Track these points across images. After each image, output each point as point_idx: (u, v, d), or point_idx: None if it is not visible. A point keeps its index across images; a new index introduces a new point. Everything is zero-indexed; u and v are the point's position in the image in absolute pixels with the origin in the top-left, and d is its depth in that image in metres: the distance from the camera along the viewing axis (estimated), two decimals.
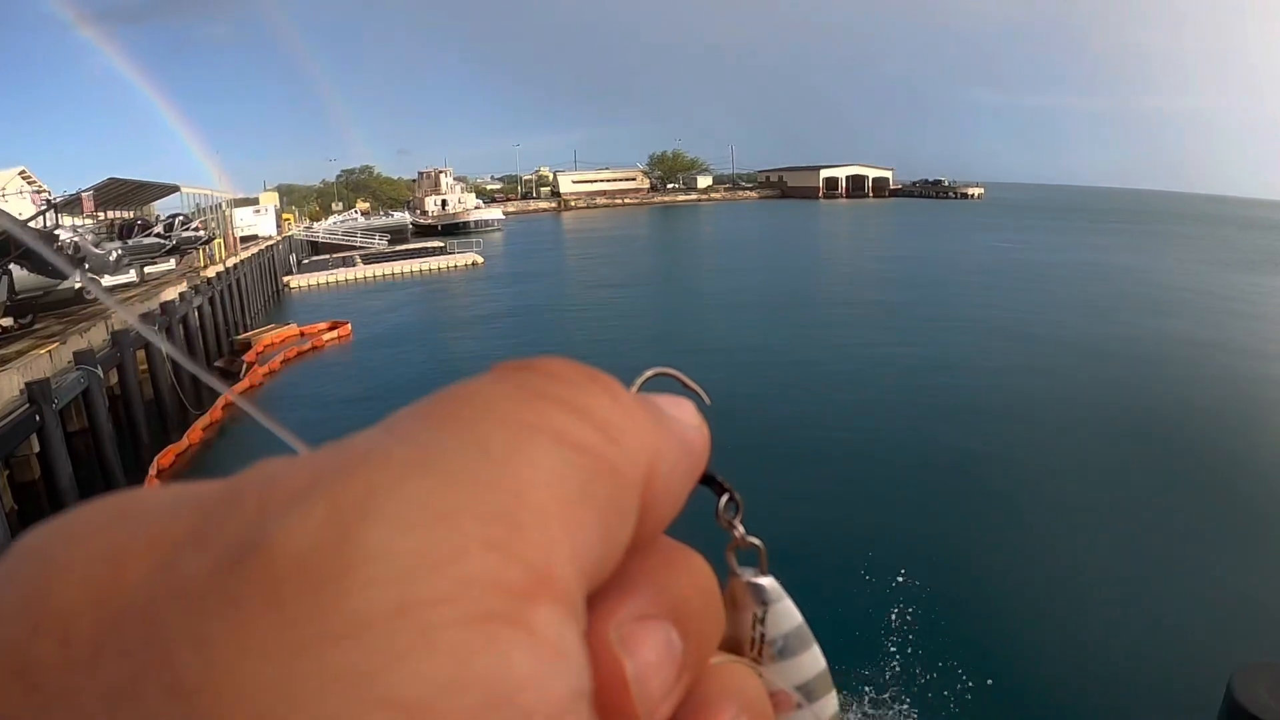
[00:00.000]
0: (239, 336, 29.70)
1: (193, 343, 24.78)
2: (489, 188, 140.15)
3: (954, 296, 34.16)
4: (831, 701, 0.33)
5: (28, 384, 13.59)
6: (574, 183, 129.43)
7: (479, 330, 31.89)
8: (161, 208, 49.38)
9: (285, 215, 70.04)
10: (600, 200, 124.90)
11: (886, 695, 8.96)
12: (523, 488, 0.21)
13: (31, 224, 21.78)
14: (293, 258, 55.21)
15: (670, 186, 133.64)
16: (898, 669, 9.32)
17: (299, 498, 0.19)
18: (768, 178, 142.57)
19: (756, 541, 0.32)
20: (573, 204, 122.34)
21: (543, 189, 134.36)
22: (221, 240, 36.08)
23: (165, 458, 16.76)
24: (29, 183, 46.79)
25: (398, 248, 62.59)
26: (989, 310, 30.52)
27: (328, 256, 59.38)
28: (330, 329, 30.09)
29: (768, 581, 0.32)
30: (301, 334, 29.63)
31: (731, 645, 0.31)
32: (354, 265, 51.97)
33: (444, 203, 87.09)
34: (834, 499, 13.97)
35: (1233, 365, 22.45)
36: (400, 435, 0.22)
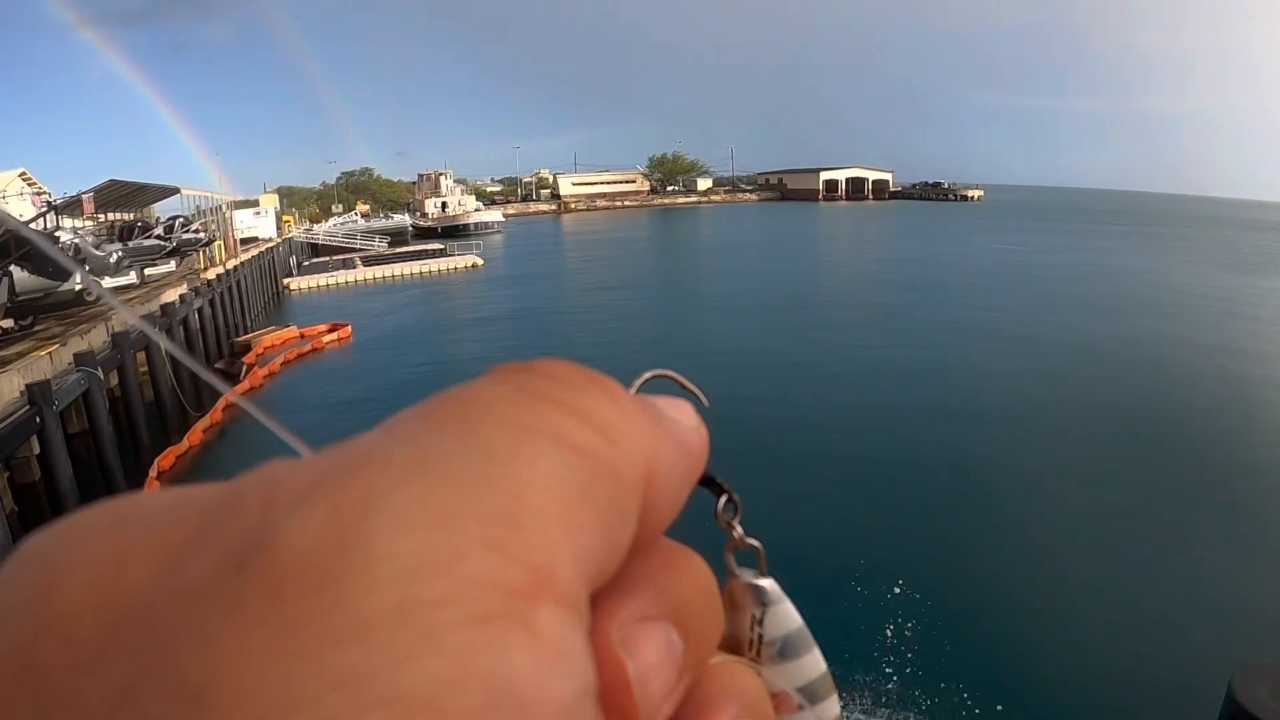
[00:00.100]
0: (239, 338, 29.67)
1: (193, 345, 24.78)
2: (489, 190, 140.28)
3: (953, 299, 34.17)
4: (833, 705, 0.33)
5: (28, 385, 13.59)
6: (574, 185, 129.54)
7: (479, 332, 31.90)
8: (161, 210, 49.43)
9: (285, 217, 70.05)
10: (600, 203, 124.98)
11: (886, 696, 8.96)
12: (523, 489, 0.21)
13: (32, 226, 21.80)
14: (293, 260, 55.20)
15: (670, 189, 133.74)
16: (898, 671, 9.32)
17: (301, 500, 0.19)
18: (767, 180, 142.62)
19: (755, 543, 0.32)
20: (573, 206, 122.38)
21: (543, 191, 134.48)
22: (221, 242, 36.07)
23: (166, 459, 16.76)
24: (29, 184, 46.82)
25: (398, 250, 62.66)
26: (989, 313, 30.53)
27: (328, 259, 59.32)
28: (330, 331, 30.09)
29: (767, 583, 0.32)
30: (301, 336, 29.61)
31: (731, 646, 0.31)
32: (354, 267, 51.98)
33: (444, 205, 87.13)
34: (834, 501, 13.97)
35: (1232, 367, 22.46)
36: (401, 437, 0.22)
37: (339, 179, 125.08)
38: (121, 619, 0.18)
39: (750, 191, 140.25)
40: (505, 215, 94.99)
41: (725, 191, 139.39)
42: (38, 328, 18.05)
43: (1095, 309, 31.13)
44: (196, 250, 32.61)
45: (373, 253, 61.90)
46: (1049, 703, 8.79)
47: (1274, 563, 11.72)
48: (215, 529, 0.20)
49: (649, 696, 0.23)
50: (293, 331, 30.08)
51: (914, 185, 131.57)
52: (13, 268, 17.31)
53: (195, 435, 18.08)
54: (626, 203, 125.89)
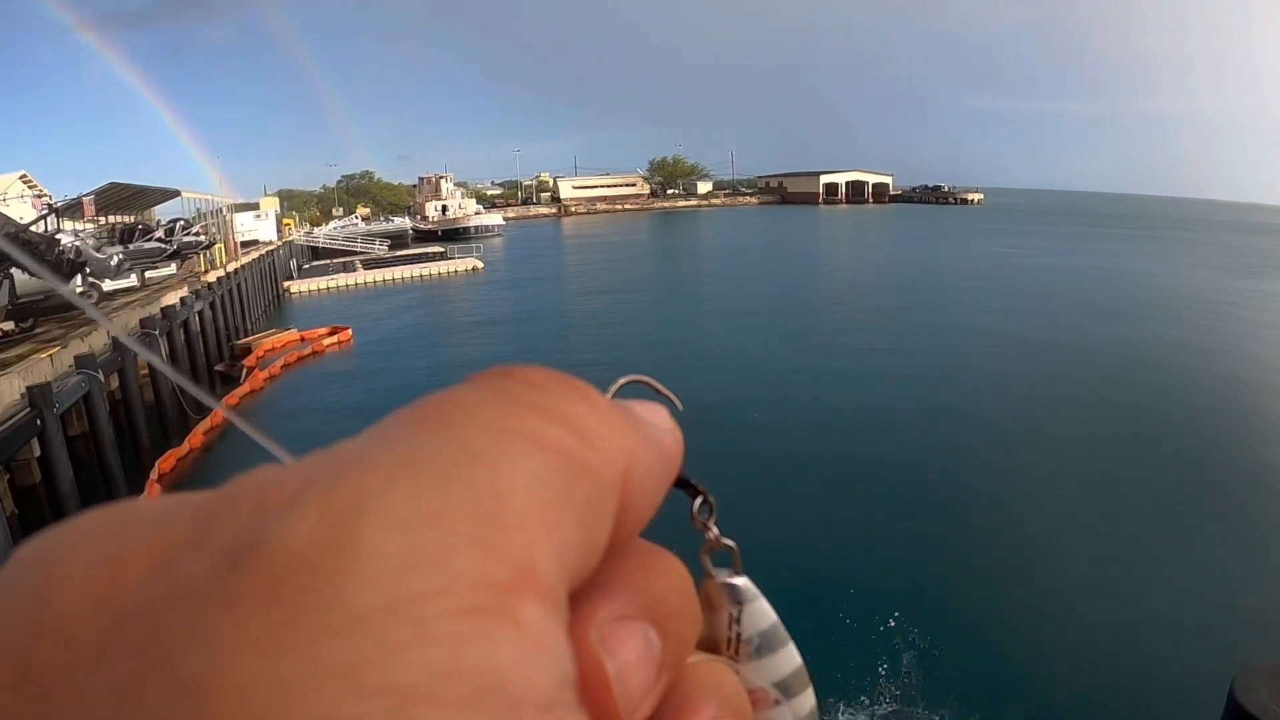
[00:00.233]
0: (239, 341, 29.69)
1: (193, 347, 24.80)
2: (489, 193, 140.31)
3: (953, 302, 34.18)
4: (809, 698, 0.33)
5: (29, 388, 13.60)
6: (574, 188, 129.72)
7: (479, 335, 31.92)
8: (162, 212, 49.62)
9: (286, 220, 70.20)
10: (600, 206, 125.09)
11: (885, 697, 8.94)
12: (506, 490, 0.22)
13: (33, 228, 21.82)
14: (293, 263, 55.20)
15: (670, 192, 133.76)
16: (893, 671, 9.30)
17: (293, 500, 0.20)
18: (768, 183, 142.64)
19: (730, 543, 0.33)
20: (573, 209, 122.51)
21: (543, 194, 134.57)
22: (222, 245, 36.14)
23: (166, 462, 16.77)
24: (30, 187, 46.85)
25: (398, 253, 62.75)
26: (989, 316, 30.53)
27: (328, 261, 59.38)
28: (331, 334, 30.11)
29: (742, 581, 0.32)
30: (302, 339, 29.62)
31: (709, 645, 0.32)
32: (354, 270, 52.07)
33: (444, 208, 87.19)
34: (834, 502, 13.94)
35: (1233, 370, 22.45)
36: (388, 441, 0.22)
37: (339, 182, 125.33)
38: (119, 619, 0.19)
39: (750, 195, 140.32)
40: (505, 218, 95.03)
41: (725, 195, 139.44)
42: (39, 330, 18.07)
43: (1096, 312, 31.13)
44: (197, 253, 32.68)
45: (373, 256, 61.92)
46: (1049, 704, 8.78)
47: (1275, 565, 11.71)
48: (210, 530, 0.20)
49: (628, 695, 0.24)
50: (293, 334, 30.10)
51: (914, 188, 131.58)
52: (13, 270, 17.32)
53: (196, 438, 18.09)
54: (626, 206, 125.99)
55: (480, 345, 29.43)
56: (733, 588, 0.32)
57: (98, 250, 24.40)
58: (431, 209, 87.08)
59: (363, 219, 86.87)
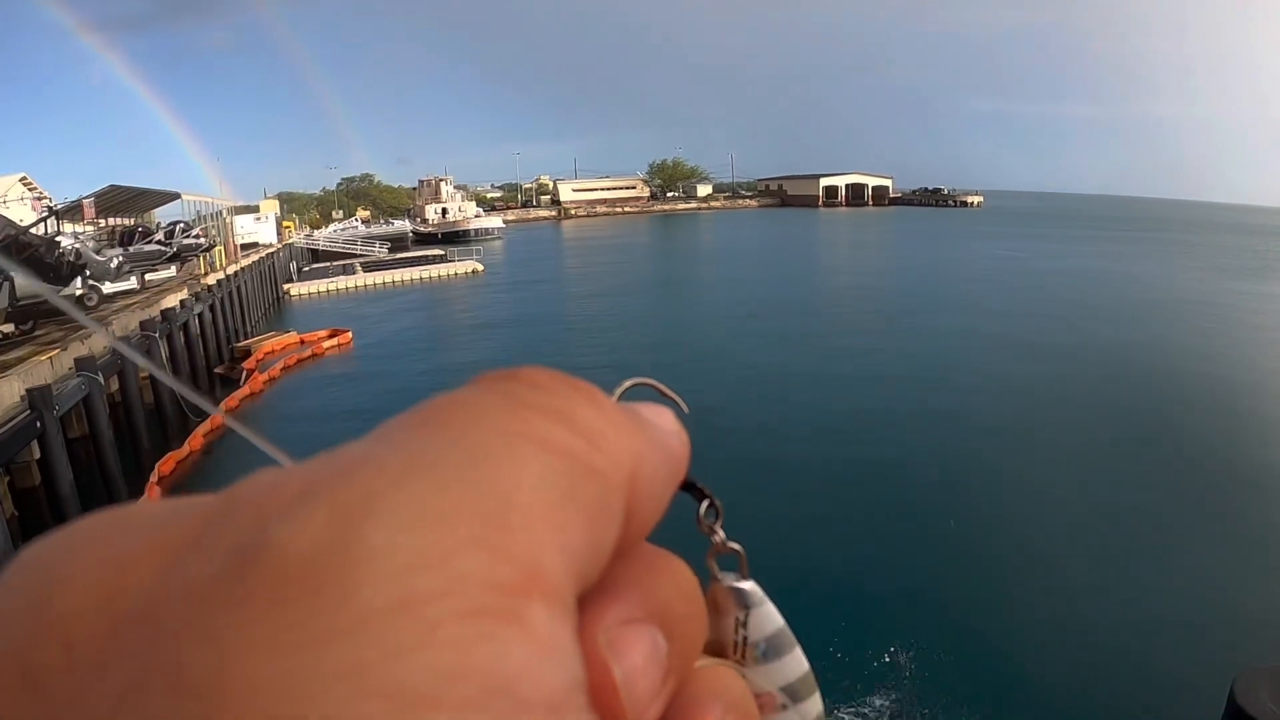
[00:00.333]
0: (239, 344, 29.70)
1: (193, 350, 24.81)
2: (489, 196, 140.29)
3: (953, 305, 34.17)
4: (816, 703, 0.33)
5: (29, 390, 13.60)
6: (574, 191, 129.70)
7: (479, 338, 31.93)
8: (162, 215, 49.61)
9: (285, 223, 70.27)
10: (600, 208, 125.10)
11: (885, 698, 8.94)
12: (511, 492, 0.22)
13: (33, 230, 21.83)
14: (293, 265, 55.27)
15: (670, 195, 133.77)
16: (895, 672, 9.30)
17: (299, 501, 0.20)
18: (767, 186, 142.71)
19: (737, 547, 0.33)
20: (573, 212, 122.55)
21: (543, 197, 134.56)
22: (222, 247, 36.18)
23: (166, 464, 16.77)
24: (30, 189, 46.88)
25: (398, 255, 62.80)
26: (988, 318, 30.55)
27: (328, 264, 59.47)
28: (330, 337, 30.12)
29: (749, 585, 0.32)
30: (302, 341, 29.64)
31: (715, 649, 0.32)
32: (354, 273, 52.11)
33: (444, 211, 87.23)
34: (835, 503, 13.95)
35: (1234, 372, 22.46)
36: (393, 443, 0.22)
37: (339, 185, 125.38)
38: (122, 621, 0.19)
39: (750, 198, 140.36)
40: (505, 221, 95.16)
41: (725, 198, 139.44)
42: (39, 332, 18.06)
43: (1096, 315, 31.15)
44: (197, 255, 32.68)
45: (373, 258, 61.98)
46: (1050, 705, 8.78)
47: (1275, 565, 11.71)
48: (214, 532, 0.20)
49: (635, 698, 0.24)
50: (293, 337, 30.12)
51: (914, 191, 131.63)
52: (13, 273, 17.31)
53: (196, 440, 18.08)
54: (626, 209, 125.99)
55: (480, 348, 29.43)
56: (739, 591, 0.32)
57: (98, 253, 24.40)
58: (431, 212, 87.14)
59: (363, 222, 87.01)
